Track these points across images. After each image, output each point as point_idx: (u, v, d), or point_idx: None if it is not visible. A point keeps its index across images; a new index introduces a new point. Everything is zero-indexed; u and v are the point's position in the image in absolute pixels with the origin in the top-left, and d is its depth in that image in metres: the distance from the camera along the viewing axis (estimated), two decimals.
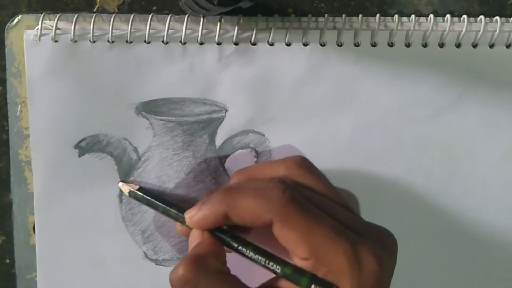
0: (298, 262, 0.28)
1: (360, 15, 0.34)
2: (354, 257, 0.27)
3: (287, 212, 0.28)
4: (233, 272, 0.30)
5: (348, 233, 0.28)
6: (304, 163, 0.31)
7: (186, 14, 0.34)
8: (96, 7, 0.35)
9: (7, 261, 0.37)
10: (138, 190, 0.35)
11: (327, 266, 0.27)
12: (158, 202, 0.33)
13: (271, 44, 0.34)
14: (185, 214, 0.31)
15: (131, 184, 0.35)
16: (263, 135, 0.35)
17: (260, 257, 0.29)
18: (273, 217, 0.28)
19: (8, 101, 0.35)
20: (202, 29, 0.34)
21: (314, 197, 0.30)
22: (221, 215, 0.29)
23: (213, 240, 0.30)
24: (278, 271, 0.28)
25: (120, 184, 0.35)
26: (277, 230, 0.28)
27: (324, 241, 0.27)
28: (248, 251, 0.29)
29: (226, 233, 0.30)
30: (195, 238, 0.30)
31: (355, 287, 0.27)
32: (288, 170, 0.31)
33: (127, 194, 0.35)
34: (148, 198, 0.34)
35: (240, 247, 0.30)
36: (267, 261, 0.29)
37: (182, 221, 0.32)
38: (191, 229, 0.31)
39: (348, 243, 0.27)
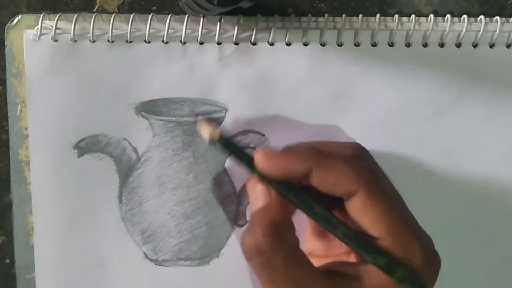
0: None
1: (360, 15, 0.35)
2: (428, 254, 0.27)
3: (375, 188, 0.27)
4: None
5: (422, 230, 0.28)
6: (366, 150, 0.31)
7: (186, 14, 0.34)
8: (96, 7, 0.35)
9: (7, 261, 0.37)
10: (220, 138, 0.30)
11: (402, 251, 0.27)
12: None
13: (271, 44, 0.34)
14: (260, 150, 0.29)
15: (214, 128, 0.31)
16: (263, 135, 0.35)
17: (352, 240, 0.27)
18: (360, 188, 0.27)
19: (8, 101, 0.35)
20: (202, 29, 0.34)
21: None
22: (303, 170, 0.28)
23: (285, 204, 0.28)
24: (370, 260, 0.27)
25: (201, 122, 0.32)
26: (358, 203, 0.27)
27: (402, 226, 0.27)
28: (337, 231, 0.28)
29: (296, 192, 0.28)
30: (259, 194, 0.28)
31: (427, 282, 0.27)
32: (355, 152, 0.30)
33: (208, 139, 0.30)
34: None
35: (326, 218, 0.28)
36: (359, 245, 0.27)
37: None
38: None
39: (425, 238, 0.28)
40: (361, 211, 0.27)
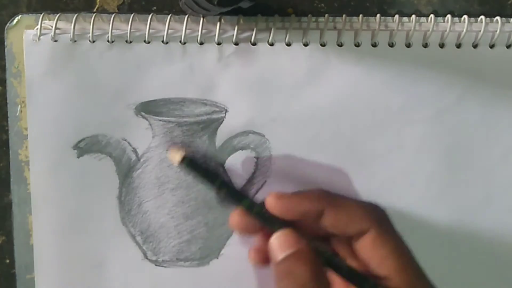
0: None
1: (360, 15, 0.34)
2: None
3: (386, 226, 0.29)
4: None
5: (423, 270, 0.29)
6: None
7: (186, 14, 0.34)
8: (96, 7, 0.35)
9: (7, 261, 0.37)
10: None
11: None
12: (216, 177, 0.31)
13: (271, 44, 0.34)
14: (271, 193, 0.30)
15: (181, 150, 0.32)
16: (264, 136, 0.35)
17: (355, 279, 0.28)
18: (371, 226, 0.28)
19: (8, 101, 0.35)
20: (202, 29, 0.34)
21: None
22: (315, 211, 0.29)
23: (313, 254, 0.28)
24: None
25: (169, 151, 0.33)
26: (368, 241, 0.28)
27: (411, 265, 0.28)
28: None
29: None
30: (288, 241, 0.28)
31: None
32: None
33: (177, 162, 0.31)
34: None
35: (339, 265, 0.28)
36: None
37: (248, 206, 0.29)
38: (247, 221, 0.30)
39: (428, 278, 0.29)
40: (371, 249, 0.28)
